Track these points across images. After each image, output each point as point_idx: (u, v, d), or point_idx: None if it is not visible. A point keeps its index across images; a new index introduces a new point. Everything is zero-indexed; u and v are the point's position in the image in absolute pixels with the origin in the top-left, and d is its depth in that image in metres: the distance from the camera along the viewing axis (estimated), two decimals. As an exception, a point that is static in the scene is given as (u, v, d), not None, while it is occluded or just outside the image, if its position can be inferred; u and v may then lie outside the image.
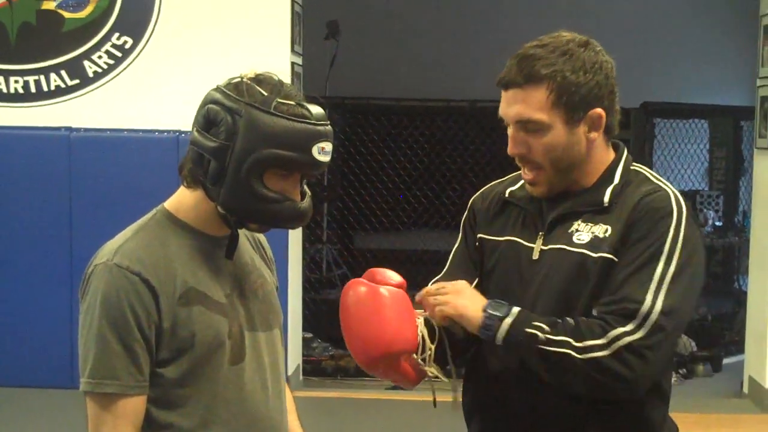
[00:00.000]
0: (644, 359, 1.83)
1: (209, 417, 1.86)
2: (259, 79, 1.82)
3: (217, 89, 1.83)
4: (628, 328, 1.83)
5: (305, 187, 1.90)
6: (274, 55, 5.68)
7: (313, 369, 6.60)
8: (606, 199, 1.97)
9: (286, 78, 5.59)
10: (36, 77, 5.87)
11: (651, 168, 2.09)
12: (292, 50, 5.87)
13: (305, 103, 1.81)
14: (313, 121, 1.79)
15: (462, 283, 2.00)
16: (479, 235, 2.13)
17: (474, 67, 9.82)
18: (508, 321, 1.89)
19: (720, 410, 5.85)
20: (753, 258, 6.21)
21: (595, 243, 1.93)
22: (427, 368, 2.03)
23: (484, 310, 1.91)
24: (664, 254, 1.88)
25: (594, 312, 1.89)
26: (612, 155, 2.03)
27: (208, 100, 1.82)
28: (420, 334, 2.00)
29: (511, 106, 1.94)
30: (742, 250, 7.65)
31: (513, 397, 2.01)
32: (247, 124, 1.76)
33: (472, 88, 8.55)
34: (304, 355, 6.50)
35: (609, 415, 1.95)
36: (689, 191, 8.30)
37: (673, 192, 1.98)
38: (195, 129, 1.83)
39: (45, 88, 5.87)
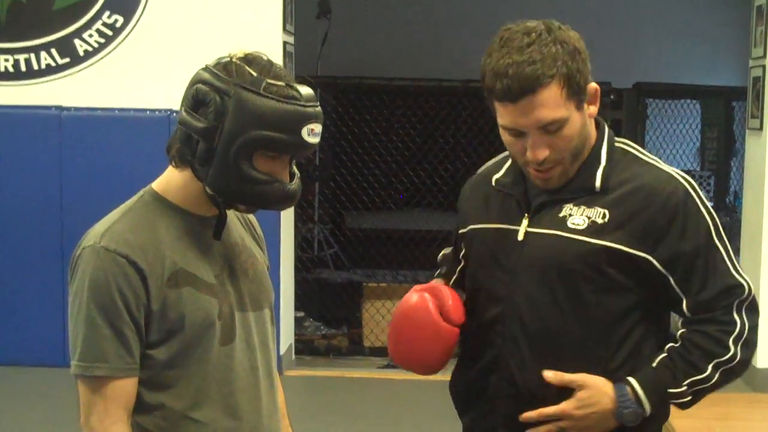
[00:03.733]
0: (757, 330, 1.97)
1: (200, 397, 1.86)
2: (249, 59, 1.81)
3: (206, 69, 1.81)
4: (740, 319, 1.93)
5: (294, 168, 1.89)
6: (266, 35, 5.66)
7: (305, 348, 6.62)
8: (597, 183, 1.95)
9: (278, 58, 5.59)
10: (26, 55, 5.84)
11: (644, 148, 2.06)
12: (284, 29, 5.85)
13: (295, 84, 1.80)
14: (302, 103, 1.77)
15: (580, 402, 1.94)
16: (468, 227, 2.12)
17: (467, 47, 9.80)
18: (645, 403, 1.92)
19: (710, 389, 5.86)
20: (744, 238, 6.23)
21: (594, 228, 1.91)
22: None
23: (618, 415, 1.93)
24: (714, 237, 1.93)
25: (689, 317, 1.95)
26: (595, 131, 2.00)
27: (196, 80, 1.81)
28: None
29: (529, 114, 1.85)
30: (734, 230, 7.66)
31: (498, 383, 2.02)
32: (236, 105, 1.75)
33: (465, 68, 8.54)
34: (296, 335, 6.52)
35: None
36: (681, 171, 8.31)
37: (670, 169, 1.98)
38: (183, 109, 1.81)
39: (35, 67, 5.85)
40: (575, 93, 1.88)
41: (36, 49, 5.83)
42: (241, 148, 1.76)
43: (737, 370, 1.94)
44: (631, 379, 1.92)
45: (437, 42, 9.56)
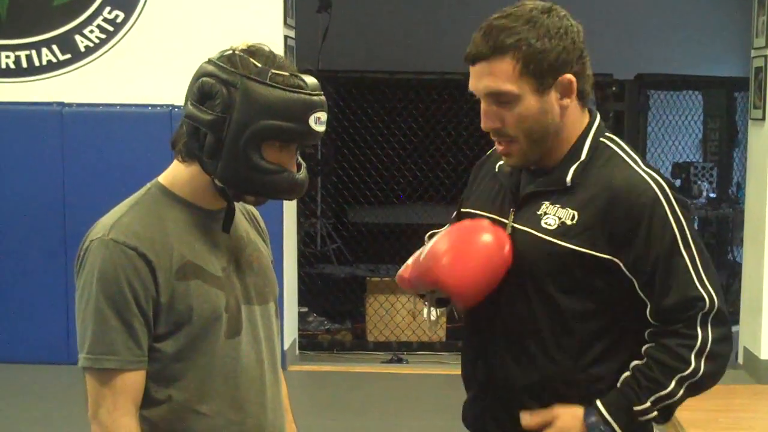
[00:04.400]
0: (728, 341, 1.93)
1: (205, 390, 1.87)
2: (252, 51, 1.82)
3: (210, 62, 1.82)
4: (703, 332, 1.89)
5: (300, 158, 1.90)
6: (267, 29, 5.65)
7: (309, 343, 6.62)
8: (568, 178, 1.94)
9: (279, 52, 5.57)
10: (27, 52, 5.83)
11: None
12: (285, 23, 5.84)
13: (299, 74, 1.81)
14: (308, 91, 1.79)
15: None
16: (467, 208, 2.13)
17: (468, 40, 9.78)
18: (613, 424, 1.92)
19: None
20: (747, 229, 6.22)
21: (562, 230, 1.91)
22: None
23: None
24: (680, 245, 1.89)
25: (653, 326, 1.93)
26: (586, 121, 1.99)
27: (201, 73, 1.81)
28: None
29: (480, 79, 1.91)
30: (736, 221, 7.64)
31: (482, 372, 2.06)
32: (243, 96, 1.76)
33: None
34: (300, 330, 6.51)
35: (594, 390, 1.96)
36: (683, 163, 8.29)
37: (646, 171, 1.93)
38: (189, 102, 1.82)
39: (36, 63, 5.84)
40: (533, 74, 1.87)
41: (37, 46, 5.83)
42: (250, 139, 1.77)
43: (703, 384, 1.92)
44: (597, 402, 1.93)
45: (438, 35, 9.53)
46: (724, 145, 8.75)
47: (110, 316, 1.78)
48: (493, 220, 2.01)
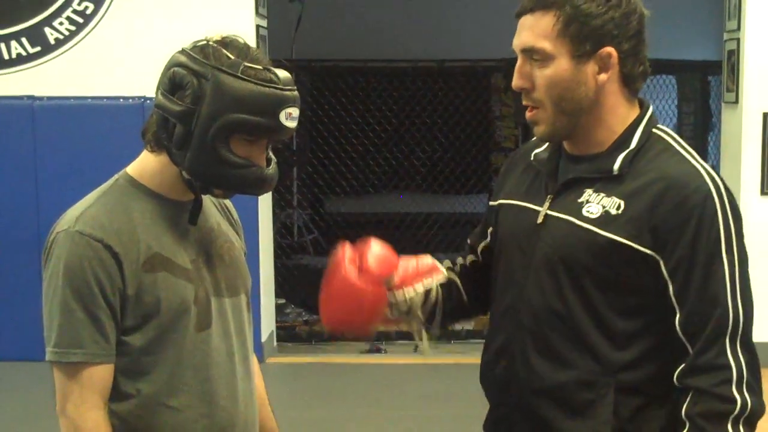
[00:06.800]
0: (759, 374, 1.78)
1: (175, 384, 1.85)
2: (226, 43, 1.80)
3: (183, 52, 1.80)
4: (735, 360, 1.75)
5: (270, 153, 1.88)
6: (238, 18, 5.62)
7: (287, 335, 6.60)
8: (616, 166, 1.82)
9: (251, 41, 5.53)
10: (-4, 45, 5.77)
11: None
12: (257, 13, 5.80)
13: (272, 68, 1.79)
14: (280, 86, 1.77)
15: None
16: (498, 201, 2.03)
17: (441, 27, 9.78)
18: None
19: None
20: (722, 212, 6.24)
21: (605, 219, 1.79)
22: (417, 339, 2.02)
23: None
24: (722, 249, 1.76)
25: (683, 361, 1.78)
26: (635, 114, 1.87)
27: (173, 63, 1.79)
28: (408, 302, 1.97)
29: (520, 34, 1.82)
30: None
31: (504, 372, 1.93)
32: (214, 88, 1.74)
33: (440, 48, 8.52)
34: (277, 321, 6.49)
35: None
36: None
37: (702, 165, 1.81)
38: (160, 92, 1.80)
39: (6, 56, 5.78)
40: (572, 36, 1.78)
41: (6, 39, 5.77)
42: (218, 132, 1.75)
43: (754, 419, 1.75)
44: None
45: (411, 22, 9.52)
46: (699, 128, 8.79)
47: (76, 308, 1.77)
48: (525, 209, 1.92)
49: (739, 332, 1.76)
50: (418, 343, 2.03)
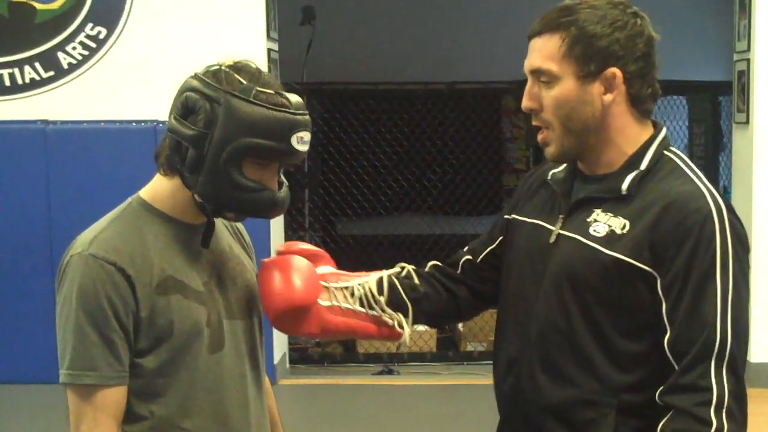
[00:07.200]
0: (745, 401, 1.78)
1: (189, 406, 1.86)
2: (238, 67, 1.82)
3: (195, 77, 1.81)
4: (718, 383, 1.73)
5: (282, 176, 1.89)
6: (250, 42, 5.65)
7: (300, 357, 6.59)
8: (625, 186, 1.84)
9: (263, 65, 5.57)
10: (10, 70, 5.81)
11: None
12: (268, 36, 5.84)
13: (284, 92, 1.81)
14: (292, 111, 1.78)
15: None
16: (512, 216, 2.06)
17: (452, 50, 9.80)
18: None
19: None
20: (734, 233, 6.22)
21: (610, 239, 1.81)
22: (384, 316, 2.05)
23: None
24: (717, 268, 1.75)
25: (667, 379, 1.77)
26: (647, 135, 1.89)
27: (186, 88, 1.81)
28: (364, 289, 2.03)
29: (529, 56, 1.88)
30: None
31: (510, 388, 1.96)
32: (226, 113, 1.75)
33: (451, 71, 8.54)
34: (290, 344, 6.49)
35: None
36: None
37: (706, 186, 1.82)
38: (173, 116, 1.82)
39: (20, 81, 5.82)
40: (577, 57, 1.81)
41: (19, 64, 5.81)
42: (230, 156, 1.76)
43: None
44: None
45: (422, 45, 9.55)
46: (710, 149, 8.77)
47: (90, 331, 1.77)
48: (539, 227, 1.95)
49: (726, 356, 1.74)
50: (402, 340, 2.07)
